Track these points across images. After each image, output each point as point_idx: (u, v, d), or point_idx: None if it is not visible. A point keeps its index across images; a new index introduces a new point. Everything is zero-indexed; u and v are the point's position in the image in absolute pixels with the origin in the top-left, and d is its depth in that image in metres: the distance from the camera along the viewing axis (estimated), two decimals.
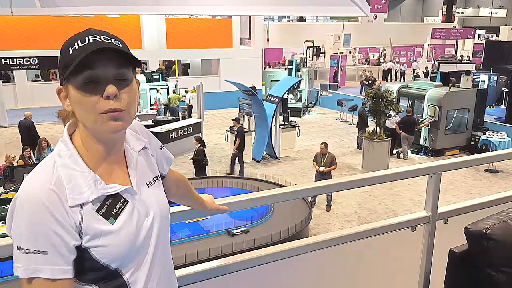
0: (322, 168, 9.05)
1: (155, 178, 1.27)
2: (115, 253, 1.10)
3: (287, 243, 1.90)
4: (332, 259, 2.00)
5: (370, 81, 21.96)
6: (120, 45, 1.10)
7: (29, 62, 15.28)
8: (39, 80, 20.03)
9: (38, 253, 1.01)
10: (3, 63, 15.33)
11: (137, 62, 1.11)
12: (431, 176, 2.12)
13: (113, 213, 1.11)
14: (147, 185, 1.23)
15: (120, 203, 1.13)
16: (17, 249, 1.02)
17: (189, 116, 15.73)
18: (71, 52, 1.07)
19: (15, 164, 8.89)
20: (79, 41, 1.07)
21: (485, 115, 13.76)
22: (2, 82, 17.38)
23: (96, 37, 1.08)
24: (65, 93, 1.11)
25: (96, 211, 1.09)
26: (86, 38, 1.07)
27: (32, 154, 9.38)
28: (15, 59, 15.21)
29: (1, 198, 6.76)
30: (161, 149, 1.37)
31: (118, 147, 1.20)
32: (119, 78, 1.09)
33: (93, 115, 1.08)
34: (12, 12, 12.12)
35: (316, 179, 9.01)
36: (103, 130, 1.10)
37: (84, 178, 1.10)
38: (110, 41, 1.08)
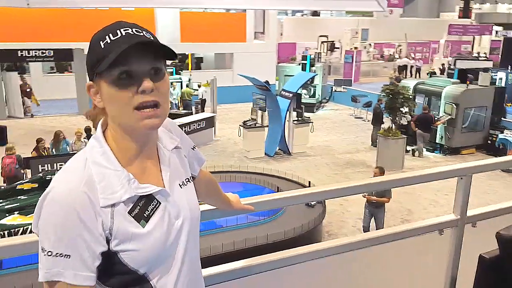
0: (367, 195, 7.14)
1: (187, 179, 1.23)
2: (145, 257, 1.05)
3: (310, 245, 1.84)
4: (356, 262, 1.95)
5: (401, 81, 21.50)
6: (152, 38, 1.05)
7: (44, 54, 15.39)
8: (54, 72, 20.18)
9: (61, 257, 0.97)
10: (19, 55, 15.46)
11: (175, 54, 1.07)
12: (461, 178, 2.05)
13: (145, 215, 1.06)
14: (180, 186, 1.18)
15: (153, 205, 1.08)
16: (41, 249, 0.99)
17: (202, 110, 15.72)
18: (102, 46, 1.02)
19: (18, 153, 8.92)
20: (110, 34, 1.02)
21: (506, 114, 13.54)
22: (18, 73, 17.54)
23: (128, 29, 1.03)
24: (96, 89, 1.07)
25: (128, 212, 1.04)
26: (118, 31, 1.02)
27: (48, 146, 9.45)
28: (30, 51, 15.32)
29: (17, 189, 6.82)
30: (193, 149, 1.32)
31: (151, 145, 1.15)
32: (154, 71, 1.04)
33: (127, 111, 1.03)
34: (28, 4, 12.22)
35: (366, 210, 7.46)
36: (138, 127, 1.05)
37: (118, 177, 1.05)
38: (142, 33, 1.04)
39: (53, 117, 16.21)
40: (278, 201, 1.70)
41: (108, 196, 1.02)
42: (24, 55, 15.31)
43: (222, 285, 1.61)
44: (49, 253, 0.97)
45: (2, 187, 7.41)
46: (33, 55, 15.35)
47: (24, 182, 7.11)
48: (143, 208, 1.07)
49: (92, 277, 1.00)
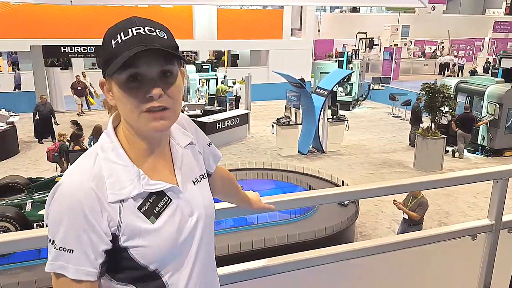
0: (398, 203, 6.67)
1: (202, 176, 1.21)
2: (155, 254, 1.05)
3: (335, 247, 1.79)
4: (383, 266, 1.87)
5: None
6: (166, 37, 1.03)
7: (86, 51, 15.87)
8: (95, 68, 20.78)
9: (65, 251, 0.98)
10: (62, 51, 16.00)
11: (183, 60, 1.05)
12: (497, 182, 1.94)
13: (155, 211, 1.05)
14: (193, 183, 1.17)
15: (163, 202, 1.07)
16: (48, 240, 1.01)
17: (237, 107, 15.78)
18: (113, 45, 1.00)
19: (66, 141, 9.33)
20: (122, 33, 1.00)
21: None
22: (61, 69, 18.17)
23: (139, 29, 1.00)
24: (108, 86, 1.06)
25: (137, 208, 1.04)
26: (129, 31, 1.00)
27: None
28: (73, 47, 15.84)
29: (56, 181, 7.05)
30: (209, 145, 1.30)
31: (163, 143, 1.14)
32: (164, 74, 1.02)
33: (136, 114, 1.03)
34: (71, 1, 12.57)
35: (400, 228, 6.95)
36: (146, 129, 1.05)
37: (127, 173, 1.04)
38: (154, 32, 1.01)
39: (92, 112, 16.71)
40: (298, 201, 1.65)
41: (116, 192, 1.02)
42: (66, 51, 15.85)
43: (239, 284, 1.58)
44: (55, 246, 0.98)
45: (43, 179, 7.69)
46: (75, 51, 15.86)
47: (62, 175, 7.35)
48: (153, 204, 1.06)
49: (94, 272, 1.00)
